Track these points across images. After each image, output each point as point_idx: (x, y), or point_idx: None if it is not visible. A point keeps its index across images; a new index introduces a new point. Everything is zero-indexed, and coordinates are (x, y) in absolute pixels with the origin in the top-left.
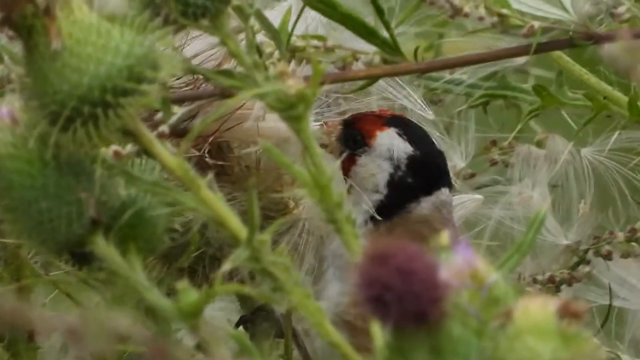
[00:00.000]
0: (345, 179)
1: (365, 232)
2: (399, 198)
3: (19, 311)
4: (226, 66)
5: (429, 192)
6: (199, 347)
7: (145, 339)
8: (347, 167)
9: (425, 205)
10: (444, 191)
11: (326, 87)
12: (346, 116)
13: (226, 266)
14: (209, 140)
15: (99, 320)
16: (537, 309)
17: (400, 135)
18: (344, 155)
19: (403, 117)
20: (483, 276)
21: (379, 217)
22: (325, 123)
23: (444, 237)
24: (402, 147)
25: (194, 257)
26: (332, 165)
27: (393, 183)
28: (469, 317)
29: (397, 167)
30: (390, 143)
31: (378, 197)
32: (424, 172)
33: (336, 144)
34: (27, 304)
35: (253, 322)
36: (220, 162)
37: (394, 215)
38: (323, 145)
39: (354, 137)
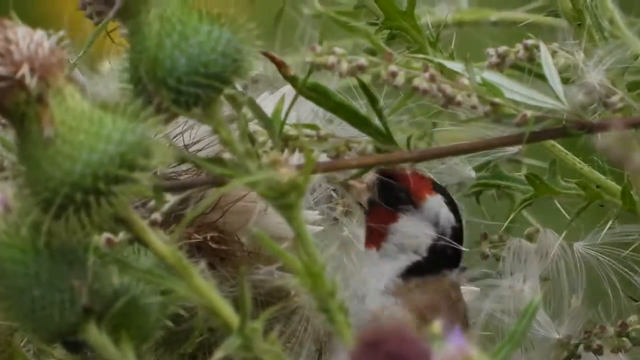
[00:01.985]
0: (371, 232)
1: (396, 286)
2: (437, 263)
3: None
4: (224, 154)
5: (458, 262)
6: None
7: None
8: (383, 219)
9: (454, 273)
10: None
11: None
12: (382, 171)
13: (218, 355)
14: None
15: None
16: None
17: (446, 204)
18: (379, 206)
19: (442, 186)
20: None
21: (414, 275)
22: (360, 182)
23: (437, 326)
24: (448, 217)
25: (197, 343)
26: (324, 255)
27: (435, 249)
28: None
29: (442, 235)
30: (439, 210)
31: (416, 257)
32: (460, 243)
33: (365, 192)
34: None
35: None
36: (223, 247)
37: (427, 274)
38: (347, 187)
39: (397, 193)
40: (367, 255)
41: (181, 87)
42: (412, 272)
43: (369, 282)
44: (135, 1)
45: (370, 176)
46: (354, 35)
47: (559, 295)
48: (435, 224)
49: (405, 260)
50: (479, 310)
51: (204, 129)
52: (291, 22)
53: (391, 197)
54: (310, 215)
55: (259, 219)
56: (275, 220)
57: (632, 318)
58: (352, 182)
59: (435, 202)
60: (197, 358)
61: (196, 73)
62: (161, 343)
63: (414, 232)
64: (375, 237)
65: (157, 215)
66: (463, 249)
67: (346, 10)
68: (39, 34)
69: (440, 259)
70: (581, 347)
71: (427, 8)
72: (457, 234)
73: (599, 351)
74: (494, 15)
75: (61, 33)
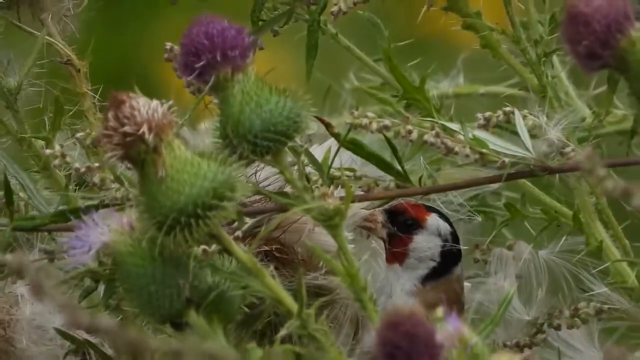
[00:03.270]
0: (393, 253)
1: (417, 289)
2: (448, 264)
3: (138, 339)
4: (286, 188)
5: (460, 258)
6: None
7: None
8: (401, 243)
9: (458, 269)
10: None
11: (354, 204)
12: (388, 207)
13: (282, 332)
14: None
15: (195, 345)
16: None
17: (441, 217)
18: (396, 234)
19: (432, 206)
20: (467, 339)
21: (431, 279)
22: (369, 215)
23: (439, 312)
24: (445, 227)
25: (265, 322)
26: (359, 260)
27: (444, 253)
28: None
29: (445, 241)
30: (438, 224)
31: (433, 264)
32: (457, 246)
33: (382, 228)
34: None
35: None
36: (284, 256)
37: (441, 277)
38: (367, 229)
39: (406, 222)
40: (391, 270)
41: (257, 141)
42: (430, 277)
43: (395, 286)
44: (224, 80)
45: (381, 216)
46: (381, 104)
47: (529, 289)
48: (439, 234)
49: (425, 269)
50: (472, 300)
51: (271, 170)
52: (336, 94)
53: (403, 226)
54: (347, 234)
55: (310, 236)
56: (322, 237)
57: (582, 304)
58: (369, 224)
59: (433, 219)
60: (265, 334)
61: (268, 131)
62: (240, 323)
63: (427, 245)
64: (399, 257)
65: (239, 233)
66: (462, 247)
67: (375, 85)
68: (155, 103)
69: (450, 259)
70: (545, 325)
71: (434, 84)
72: (454, 237)
73: (558, 328)
74: (482, 89)
75: (170, 102)
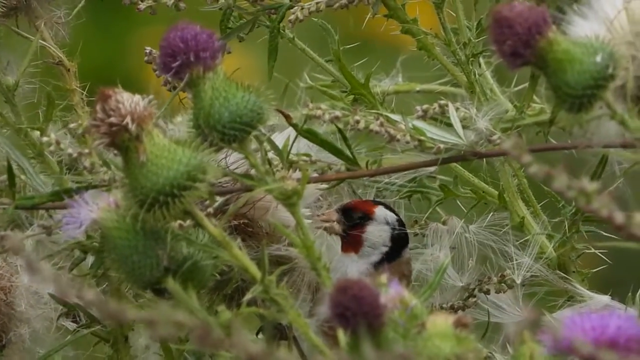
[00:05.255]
0: (350, 243)
1: (369, 272)
2: (398, 247)
3: (117, 309)
4: (252, 171)
5: (408, 241)
6: None
7: (196, 325)
8: (356, 235)
9: (407, 251)
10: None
11: (310, 185)
12: (339, 206)
13: (247, 296)
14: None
15: (167, 314)
16: (441, 322)
17: (386, 208)
18: (351, 228)
19: (377, 199)
20: (407, 301)
21: (381, 264)
22: (323, 214)
23: (384, 278)
24: (391, 215)
25: (234, 287)
26: (313, 234)
27: (394, 238)
28: (399, 326)
29: (393, 228)
30: (385, 214)
31: (385, 249)
32: (404, 230)
33: (337, 225)
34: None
35: (267, 329)
36: (250, 229)
37: (393, 260)
38: (324, 228)
39: (358, 216)
40: (347, 257)
41: (225, 130)
42: (383, 261)
43: (350, 267)
44: (197, 77)
45: (336, 215)
46: (331, 99)
47: (462, 258)
48: (387, 222)
49: (378, 254)
50: (412, 269)
51: (237, 155)
52: (292, 91)
53: (354, 220)
54: (304, 211)
55: (274, 212)
56: (283, 214)
57: (507, 272)
58: (326, 224)
59: (381, 210)
60: (233, 298)
61: (235, 122)
62: (212, 289)
63: (378, 232)
64: (355, 246)
65: (210, 210)
66: (407, 231)
67: (327, 84)
68: (137, 97)
69: (399, 243)
70: (476, 290)
71: (377, 82)
72: (401, 223)
73: (487, 292)
74: (419, 87)
75: (151, 96)
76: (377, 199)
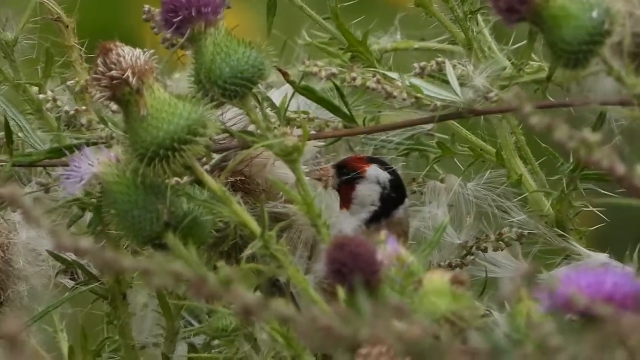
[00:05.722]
0: (342, 200)
1: (364, 232)
2: (388, 208)
3: (115, 258)
4: (250, 127)
5: (402, 202)
6: None
7: (192, 276)
8: (347, 192)
9: (400, 211)
10: (407, 201)
11: (308, 142)
12: (336, 163)
13: (247, 251)
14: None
15: (163, 265)
16: (438, 279)
17: (380, 168)
18: (343, 184)
19: (376, 157)
20: (404, 259)
21: (373, 222)
22: (320, 169)
23: (382, 235)
24: (384, 175)
25: (231, 244)
26: (314, 191)
27: (384, 198)
28: (395, 283)
29: (384, 188)
30: (377, 173)
31: (374, 208)
32: (398, 190)
33: (333, 180)
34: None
35: (265, 287)
36: (247, 186)
37: (383, 220)
38: (318, 179)
39: (348, 173)
40: (343, 214)
41: (226, 86)
42: (373, 220)
43: (345, 225)
44: (198, 33)
45: (332, 170)
46: (329, 57)
47: (460, 216)
48: (378, 182)
49: (368, 213)
50: (410, 226)
51: (234, 112)
52: (291, 49)
53: (347, 176)
54: (303, 167)
55: (271, 169)
56: (282, 170)
57: (505, 229)
58: (323, 177)
59: (373, 170)
60: (231, 255)
61: (236, 77)
62: (211, 245)
63: (367, 191)
64: (346, 203)
65: (207, 167)
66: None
67: (325, 41)
68: (138, 51)
69: (389, 203)
70: (474, 248)
71: (375, 40)
72: (394, 183)
73: (485, 250)
74: (417, 45)
75: (152, 51)
76: (375, 156)
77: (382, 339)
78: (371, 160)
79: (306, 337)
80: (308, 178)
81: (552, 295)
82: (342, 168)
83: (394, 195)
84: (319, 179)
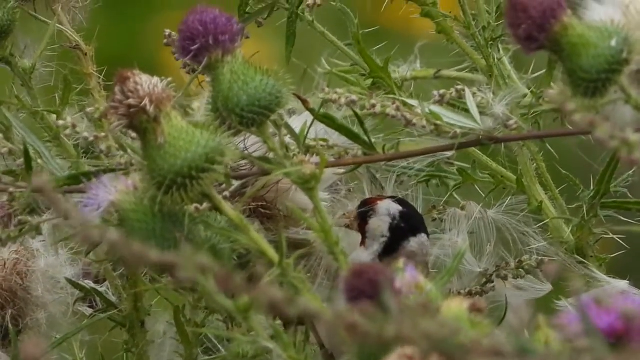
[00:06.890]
0: (362, 236)
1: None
2: (397, 238)
3: (140, 250)
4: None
5: (414, 234)
6: None
7: (218, 269)
8: (362, 227)
9: (412, 244)
10: (423, 236)
11: (327, 169)
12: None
13: (265, 279)
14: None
15: (189, 258)
16: (456, 306)
17: (393, 202)
18: (359, 221)
19: (396, 196)
20: (423, 286)
21: (385, 254)
22: (345, 214)
23: (400, 263)
24: (395, 207)
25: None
26: (331, 219)
27: (392, 228)
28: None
29: (394, 219)
30: (388, 206)
31: (384, 239)
32: (410, 221)
33: (355, 222)
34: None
35: None
36: (269, 212)
37: (394, 252)
38: (346, 225)
39: (364, 212)
40: (360, 250)
41: (244, 114)
42: (385, 253)
43: (361, 259)
44: (216, 61)
45: (354, 213)
46: (349, 84)
47: (480, 244)
48: (388, 214)
49: (379, 244)
50: (430, 254)
51: (255, 139)
52: (310, 77)
53: (363, 215)
54: (322, 195)
55: (291, 196)
56: (301, 196)
57: (525, 257)
58: (347, 221)
59: (384, 204)
60: (252, 281)
61: (253, 105)
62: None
63: (377, 223)
64: (363, 240)
65: (227, 193)
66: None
67: (344, 69)
68: (155, 79)
69: (398, 234)
70: (494, 275)
71: (395, 68)
72: (406, 216)
73: (505, 278)
74: (436, 73)
75: (169, 79)
76: (396, 196)
77: (409, 337)
78: (389, 197)
79: (332, 334)
80: (335, 224)
81: (585, 317)
82: (362, 207)
83: (403, 225)
84: (347, 226)
